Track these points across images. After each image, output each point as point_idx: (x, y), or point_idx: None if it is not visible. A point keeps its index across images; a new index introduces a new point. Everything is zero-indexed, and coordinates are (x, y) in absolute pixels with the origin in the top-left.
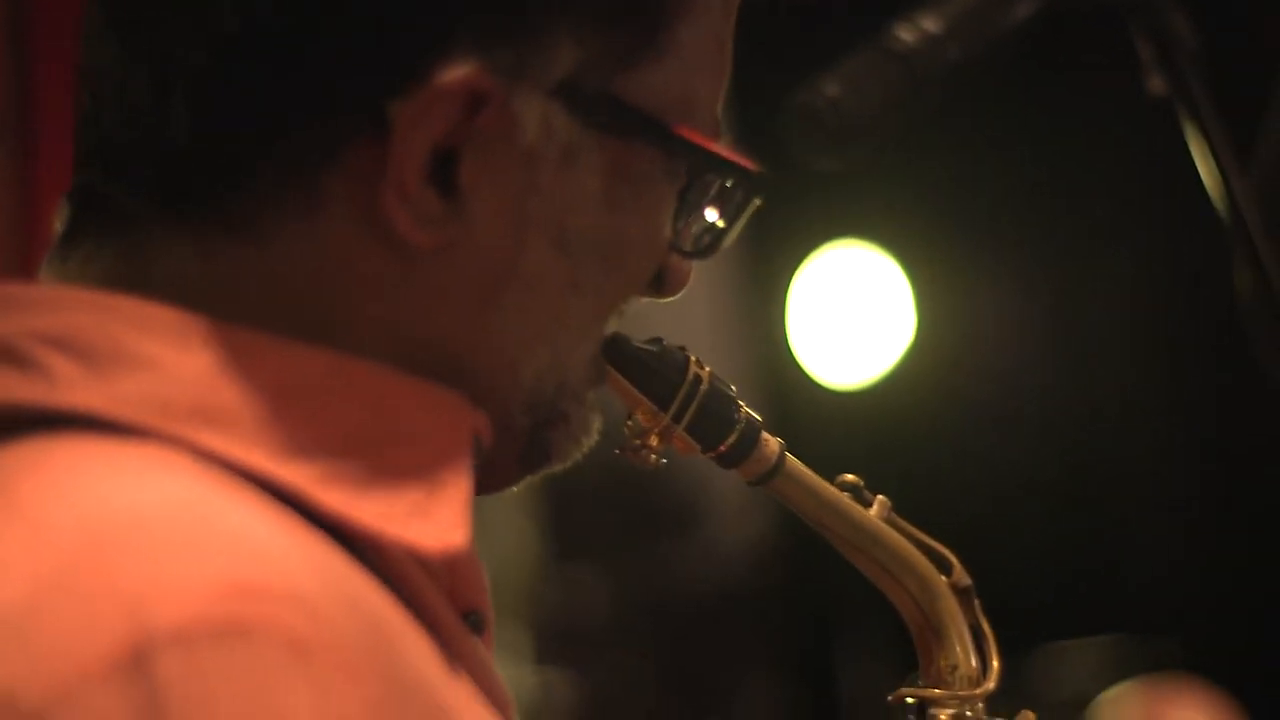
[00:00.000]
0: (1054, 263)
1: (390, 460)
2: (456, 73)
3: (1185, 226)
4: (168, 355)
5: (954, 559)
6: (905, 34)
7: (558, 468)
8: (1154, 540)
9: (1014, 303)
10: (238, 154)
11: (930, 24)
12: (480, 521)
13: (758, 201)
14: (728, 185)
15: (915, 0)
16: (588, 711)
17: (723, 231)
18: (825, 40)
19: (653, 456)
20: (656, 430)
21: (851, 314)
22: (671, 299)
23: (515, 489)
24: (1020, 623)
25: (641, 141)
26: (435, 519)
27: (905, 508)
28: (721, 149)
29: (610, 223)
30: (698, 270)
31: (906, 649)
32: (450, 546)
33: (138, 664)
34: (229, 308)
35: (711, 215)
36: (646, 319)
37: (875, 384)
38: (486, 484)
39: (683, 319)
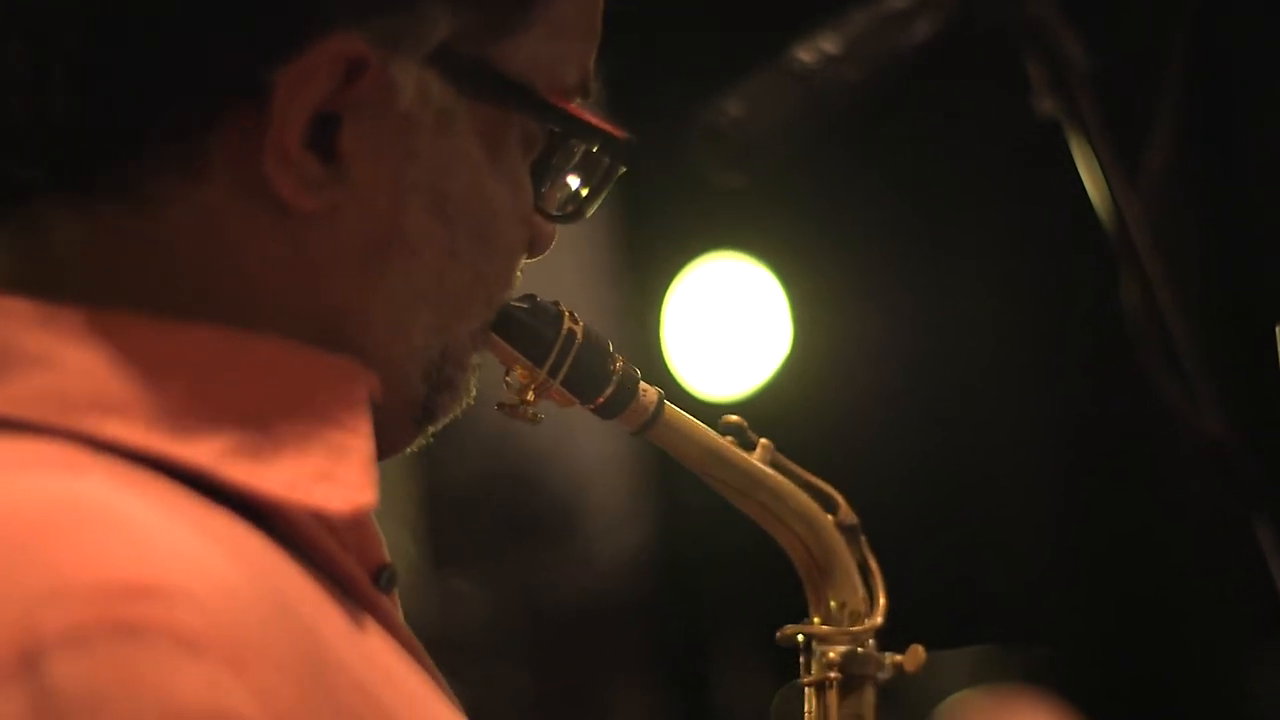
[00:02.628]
0: (931, 276)
1: (290, 429)
2: (333, 41)
3: (1068, 244)
4: (62, 351)
5: (839, 497)
6: (805, 55)
7: (439, 426)
8: (1028, 551)
9: (891, 316)
10: (120, 125)
11: (829, 45)
12: None
13: (623, 169)
14: (594, 152)
15: (815, 21)
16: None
17: (588, 197)
18: (729, 60)
19: (531, 413)
20: (534, 386)
21: (728, 326)
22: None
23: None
24: (893, 632)
25: (514, 109)
26: (342, 482)
27: None
28: (589, 115)
29: (485, 188)
30: (573, 282)
31: (781, 659)
32: (359, 506)
33: (28, 667)
34: (120, 281)
35: (577, 181)
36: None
37: (751, 396)
38: (383, 448)
39: None
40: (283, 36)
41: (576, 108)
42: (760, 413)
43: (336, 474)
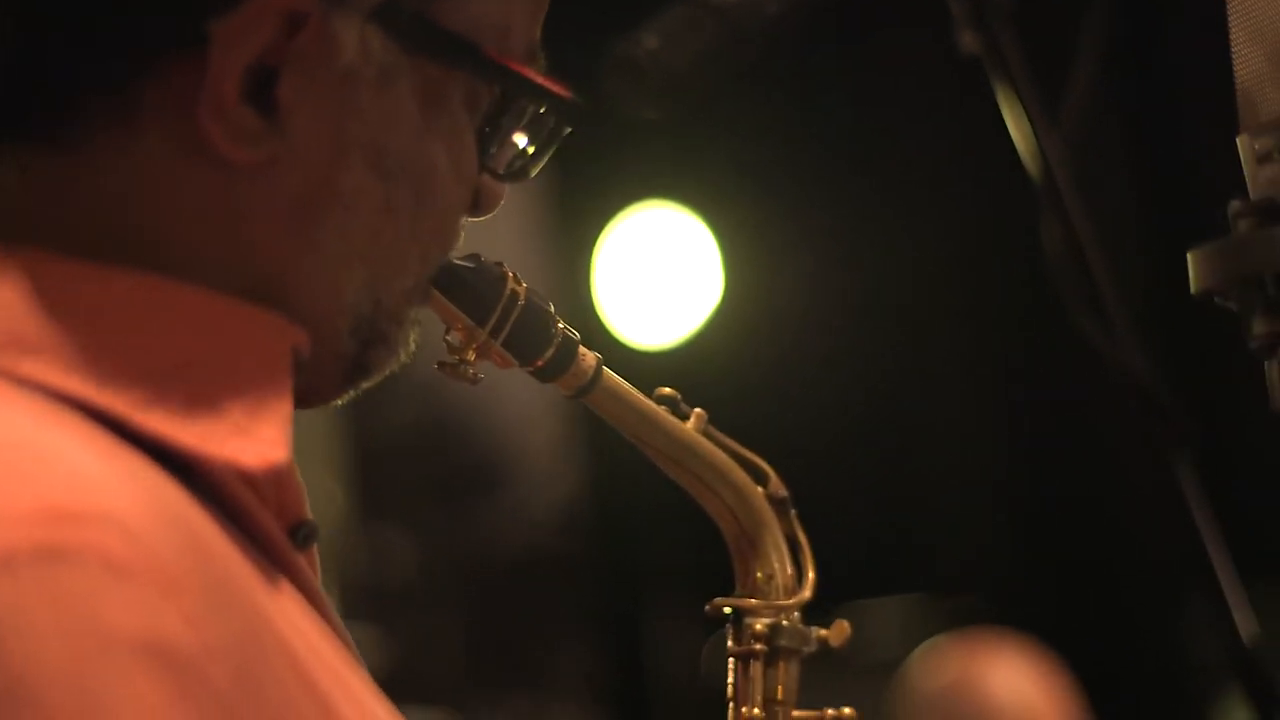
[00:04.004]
0: (861, 221)
1: (210, 381)
2: None
3: (995, 183)
4: None
5: (770, 470)
6: None
7: (374, 380)
8: (956, 498)
9: (820, 263)
10: (57, 71)
11: None
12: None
13: (568, 129)
14: (540, 111)
15: None
16: (395, 670)
17: (534, 156)
18: None
19: (471, 372)
20: (474, 346)
21: (659, 275)
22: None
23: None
24: (823, 581)
25: (457, 66)
26: (257, 437)
27: None
28: (535, 75)
29: (424, 146)
30: (504, 231)
31: (703, 614)
32: (272, 463)
33: None
34: (52, 229)
35: (523, 140)
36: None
37: (683, 344)
38: (309, 399)
39: None
40: None
41: (522, 66)
42: (692, 360)
43: (253, 429)
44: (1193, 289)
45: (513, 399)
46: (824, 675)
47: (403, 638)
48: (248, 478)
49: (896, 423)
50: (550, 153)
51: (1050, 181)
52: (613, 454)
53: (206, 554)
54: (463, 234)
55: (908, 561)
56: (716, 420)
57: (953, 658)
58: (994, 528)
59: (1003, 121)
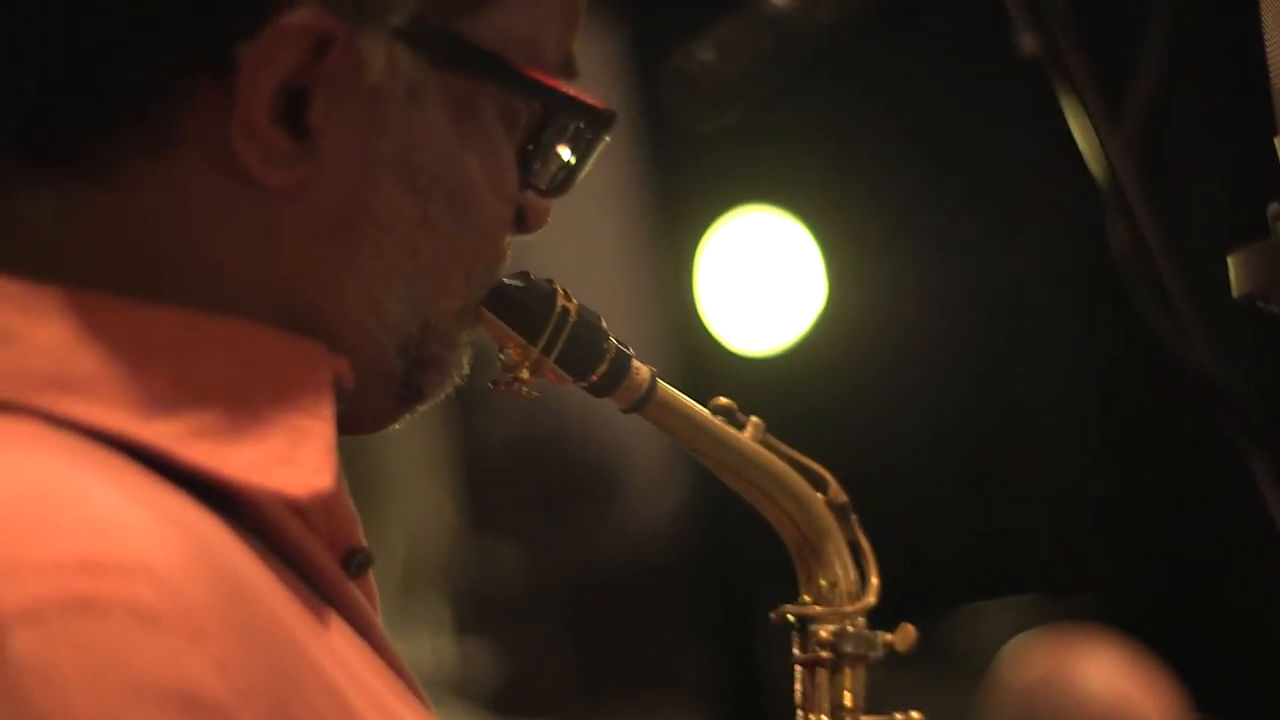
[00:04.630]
0: (962, 224)
1: (251, 412)
2: (297, 15)
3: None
4: (23, 327)
5: (829, 476)
6: None
7: (430, 404)
8: (1067, 500)
9: (922, 266)
10: (90, 100)
11: None
12: (395, 492)
13: (607, 139)
14: (580, 125)
15: None
16: (506, 682)
17: (575, 169)
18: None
19: (525, 390)
20: (527, 364)
21: (762, 280)
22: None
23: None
24: (935, 585)
25: (487, 81)
26: (300, 465)
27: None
28: (568, 88)
29: (459, 162)
30: (606, 239)
31: None
32: (317, 490)
33: None
34: (91, 259)
35: (564, 153)
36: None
37: (787, 350)
38: (361, 424)
39: (593, 286)
40: (246, 10)
41: (552, 79)
42: (796, 366)
43: (296, 457)
44: (1234, 292)
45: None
46: (935, 678)
47: (513, 650)
48: (295, 507)
49: (1002, 422)
50: (588, 165)
51: (1115, 182)
52: None
53: (244, 595)
54: (509, 251)
55: (1019, 562)
56: (821, 425)
57: (1044, 652)
58: (1105, 530)
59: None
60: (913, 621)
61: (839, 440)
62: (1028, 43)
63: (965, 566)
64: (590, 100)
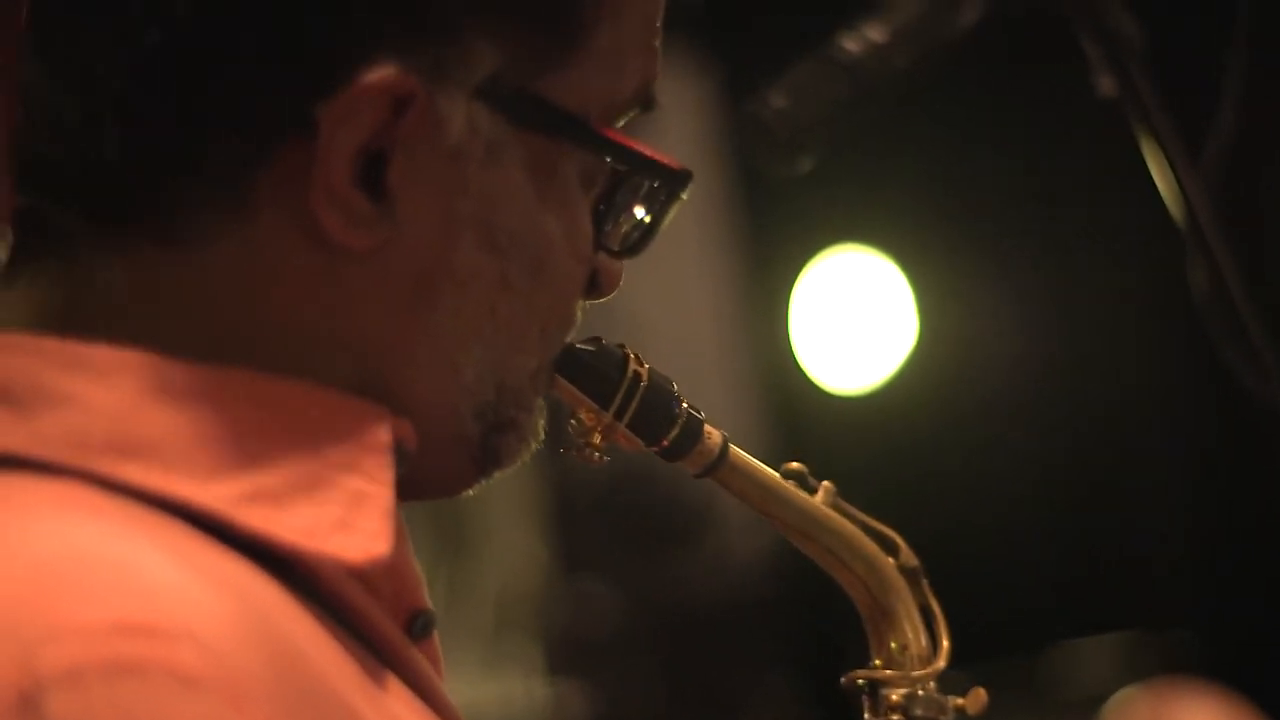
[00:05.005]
0: (1054, 262)
1: (310, 475)
2: (376, 74)
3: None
4: (88, 391)
5: (900, 540)
6: (850, 44)
7: (508, 469)
8: (1165, 535)
9: (1015, 303)
10: (167, 166)
11: (875, 34)
12: (487, 536)
13: (683, 198)
14: (654, 184)
15: (861, 9)
16: None
17: (649, 229)
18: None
19: (597, 455)
20: (599, 429)
21: (854, 319)
22: (663, 316)
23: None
24: (1033, 621)
25: (565, 141)
26: (358, 531)
27: (913, 511)
28: (643, 148)
29: (537, 221)
30: (699, 280)
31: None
32: (374, 557)
33: (27, 708)
34: (160, 323)
35: (638, 213)
36: (647, 329)
37: (880, 388)
38: (436, 488)
39: (687, 327)
40: (326, 70)
41: (630, 140)
42: (889, 404)
43: (353, 522)
44: None
45: None
46: (1033, 715)
47: (605, 691)
48: (355, 572)
49: (1097, 457)
50: (662, 225)
51: (1194, 221)
52: None
53: (293, 660)
54: (580, 315)
55: (1117, 598)
56: (914, 463)
57: (1143, 705)
58: (1202, 563)
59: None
60: (1010, 658)
61: (933, 478)
62: (1106, 85)
63: (1063, 602)
64: (667, 160)
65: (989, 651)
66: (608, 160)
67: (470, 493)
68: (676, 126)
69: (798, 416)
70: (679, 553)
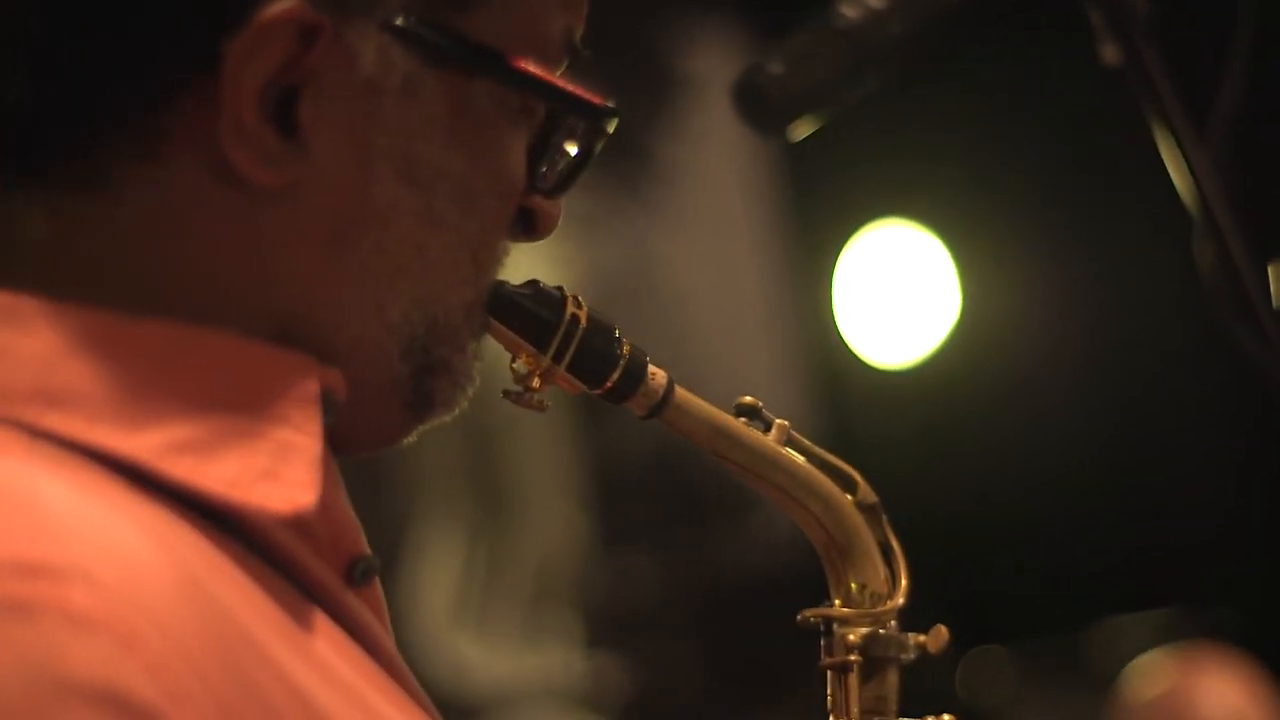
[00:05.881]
0: (1096, 235)
1: (235, 426)
2: (279, 6)
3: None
4: (10, 341)
5: (858, 476)
6: (848, 10)
7: (444, 417)
8: (1207, 511)
9: (1057, 278)
10: (79, 109)
11: (874, 0)
12: (527, 509)
13: (608, 133)
14: (578, 120)
15: None
16: (639, 696)
17: (575, 167)
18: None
19: (537, 399)
20: (539, 373)
21: (897, 293)
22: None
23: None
24: (1075, 597)
25: (483, 76)
26: (284, 481)
27: (956, 484)
28: (564, 83)
29: (458, 156)
30: (744, 254)
31: (957, 630)
32: (300, 507)
33: None
34: (80, 271)
35: (565, 151)
36: (692, 305)
37: (924, 362)
38: (368, 440)
39: (732, 302)
40: (229, 6)
41: (548, 75)
42: (933, 378)
43: (280, 473)
44: (1274, 303)
45: None
46: (1073, 691)
47: (646, 663)
48: (286, 521)
49: (1139, 432)
50: (587, 163)
51: (1201, 197)
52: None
53: (201, 603)
54: (508, 255)
55: (1159, 575)
56: (958, 437)
57: (1166, 671)
58: (1243, 539)
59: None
60: (1052, 634)
61: (975, 452)
62: (1110, 53)
63: (1104, 579)
64: (586, 95)
65: (1031, 627)
66: (528, 96)
67: (408, 440)
68: (719, 100)
69: (842, 391)
70: (719, 527)
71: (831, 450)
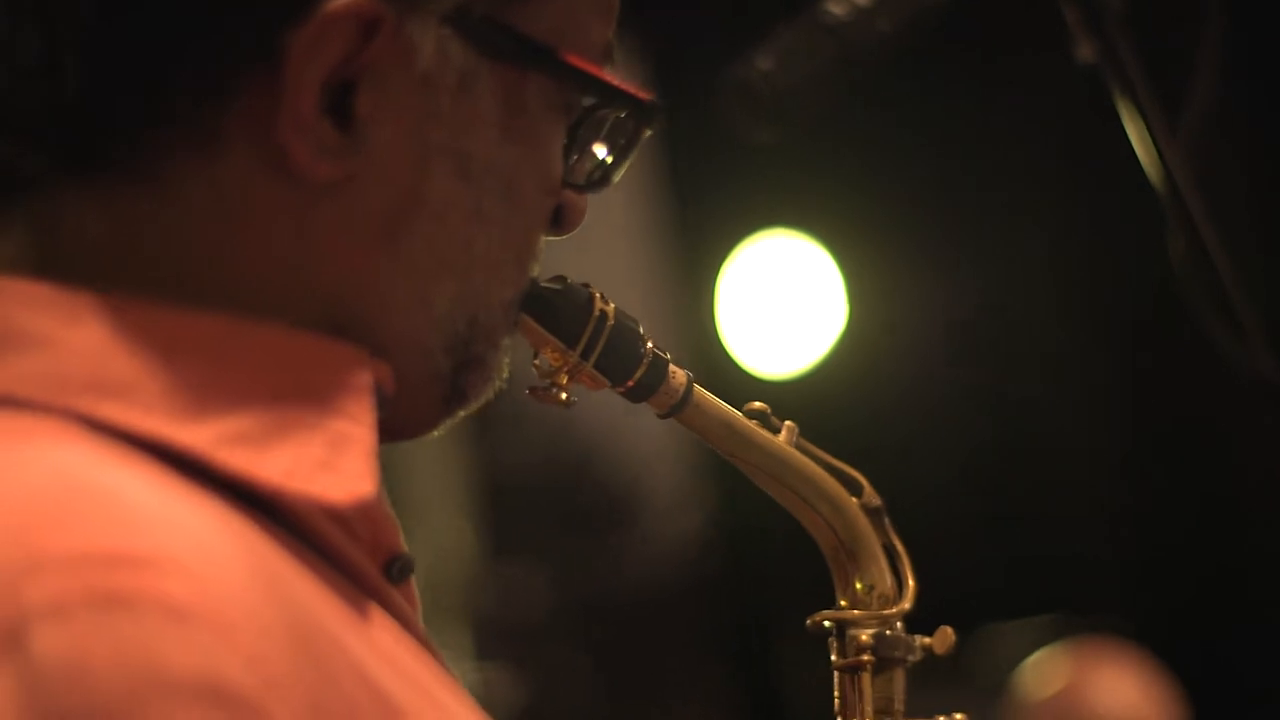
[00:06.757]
0: (981, 244)
1: (290, 417)
2: (343, 1)
3: (1116, 196)
4: (61, 332)
5: (864, 480)
6: (835, 7)
7: (472, 409)
8: (1091, 519)
9: (943, 287)
10: (134, 103)
11: None
12: (416, 519)
13: (649, 133)
14: (620, 117)
15: None
16: (529, 706)
17: (614, 165)
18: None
19: (563, 395)
20: (565, 369)
21: (782, 303)
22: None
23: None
24: (958, 606)
25: (534, 70)
26: (340, 471)
27: None
28: (612, 78)
29: (508, 151)
30: (626, 261)
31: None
32: (358, 497)
33: (14, 641)
34: (133, 264)
35: (603, 149)
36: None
37: (808, 372)
38: (404, 430)
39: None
40: None
41: (600, 70)
42: (817, 389)
43: (336, 463)
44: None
45: (639, 431)
46: (954, 699)
47: (535, 674)
48: (335, 514)
49: (1024, 442)
50: (629, 160)
51: (1173, 190)
52: (740, 483)
53: (281, 592)
54: (543, 253)
55: (1042, 582)
56: (844, 447)
57: (1060, 669)
58: (1131, 551)
59: (1123, 131)
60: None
61: (859, 463)
62: (1085, 50)
63: (986, 587)
64: (634, 90)
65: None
66: (577, 91)
67: (435, 433)
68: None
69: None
70: (607, 537)
71: (718, 460)
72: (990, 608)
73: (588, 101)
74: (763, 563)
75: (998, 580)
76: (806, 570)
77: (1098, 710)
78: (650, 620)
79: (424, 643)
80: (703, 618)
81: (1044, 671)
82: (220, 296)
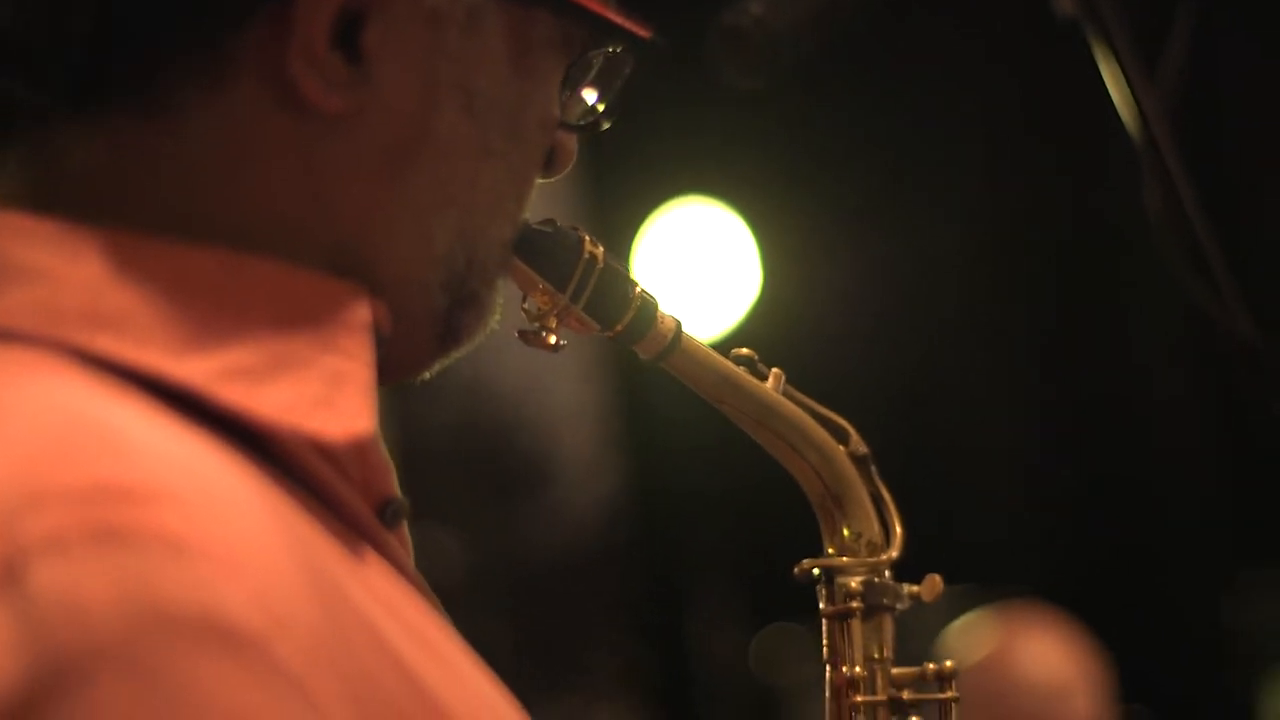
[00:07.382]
0: (897, 211)
1: (288, 354)
2: None
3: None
4: (57, 265)
5: (850, 428)
6: None
7: (465, 349)
8: (1002, 492)
9: (859, 256)
10: (145, 35)
11: None
12: None
13: (638, 75)
14: (613, 55)
15: None
16: None
17: (607, 105)
18: None
19: (551, 339)
20: (554, 312)
21: (697, 270)
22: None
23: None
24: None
25: (540, 6)
26: (338, 409)
27: (753, 462)
28: (611, 14)
29: (514, 88)
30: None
31: (757, 602)
32: (356, 434)
33: (11, 576)
34: (134, 198)
35: (594, 91)
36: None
37: (721, 340)
38: (399, 370)
39: None
40: None
41: (600, 6)
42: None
43: (334, 400)
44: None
45: (554, 394)
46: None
47: None
48: (329, 452)
49: (938, 414)
50: (619, 104)
51: (1151, 142)
52: (655, 447)
53: (288, 531)
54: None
55: (952, 555)
56: None
57: (984, 635)
58: (1043, 524)
59: (1099, 84)
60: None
61: None
62: (1065, 3)
63: (912, 557)
64: (634, 27)
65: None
66: (580, 28)
67: (427, 375)
68: None
69: (638, 367)
70: (521, 504)
71: (634, 427)
72: (903, 577)
73: (587, 39)
74: (675, 526)
75: (912, 551)
76: (722, 533)
77: (1024, 675)
78: (564, 584)
79: (419, 587)
80: (616, 581)
81: (965, 638)
82: (222, 231)
